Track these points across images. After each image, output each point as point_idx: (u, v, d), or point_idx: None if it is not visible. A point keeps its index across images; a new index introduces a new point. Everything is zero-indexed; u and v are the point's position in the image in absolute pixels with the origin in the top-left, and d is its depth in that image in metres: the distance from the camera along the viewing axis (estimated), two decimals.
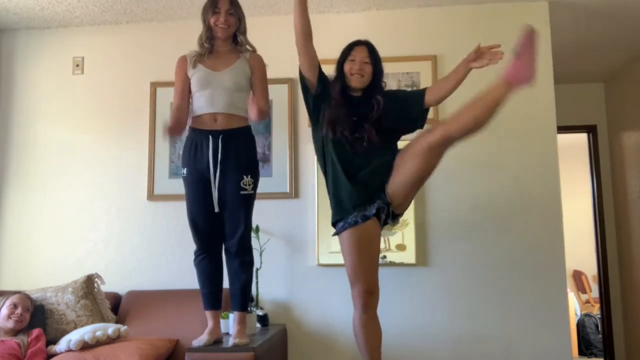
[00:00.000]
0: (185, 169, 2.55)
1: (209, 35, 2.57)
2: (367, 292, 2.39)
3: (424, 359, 3.17)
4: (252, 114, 2.57)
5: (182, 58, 2.63)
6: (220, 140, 2.49)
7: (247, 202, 2.52)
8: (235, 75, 2.54)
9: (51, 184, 3.56)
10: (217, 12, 2.53)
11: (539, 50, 2.22)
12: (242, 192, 2.49)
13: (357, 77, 2.47)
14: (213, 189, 2.48)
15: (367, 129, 2.41)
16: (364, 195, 2.37)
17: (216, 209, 2.48)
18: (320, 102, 2.49)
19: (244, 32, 2.62)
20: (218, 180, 2.47)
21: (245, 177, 2.50)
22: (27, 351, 2.69)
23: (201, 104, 2.54)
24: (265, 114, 2.60)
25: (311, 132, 2.61)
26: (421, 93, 2.55)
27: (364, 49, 2.50)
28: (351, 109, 2.44)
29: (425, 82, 3.38)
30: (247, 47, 2.63)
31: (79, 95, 3.63)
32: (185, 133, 2.64)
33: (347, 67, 2.49)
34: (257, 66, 2.61)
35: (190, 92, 2.60)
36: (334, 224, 2.47)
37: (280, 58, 3.40)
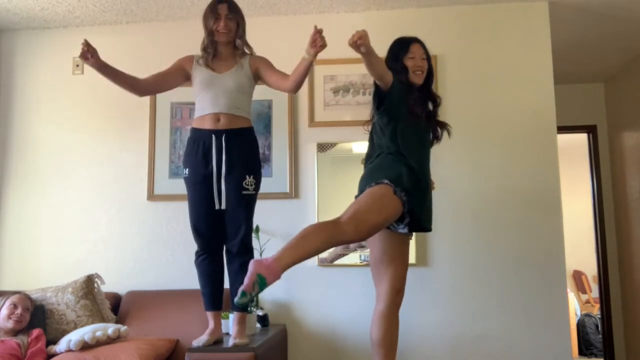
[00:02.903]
0: (187, 170, 2.55)
1: (210, 39, 2.59)
2: (403, 290, 2.49)
3: (424, 358, 3.17)
4: (287, 84, 2.50)
5: (190, 56, 2.67)
6: (223, 140, 2.49)
7: (248, 203, 2.52)
8: (237, 77, 2.56)
9: (51, 184, 3.56)
10: (218, 18, 2.55)
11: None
12: (243, 192, 2.49)
13: (419, 74, 2.51)
14: (214, 188, 2.48)
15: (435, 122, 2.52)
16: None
17: (217, 207, 2.48)
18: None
19: (242, 36, 2.64)
20: (222, 179, 2.48)
21: (247, 177, 2.50)
22: (27, 351, 2.69)
23: (204, 105, 2.55)
24: (301, 82, 2.52)
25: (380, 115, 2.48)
26: None
27: (420, 47, 2.54)
28: (423, 100, 2.50)
29: None
30: (245, 49, 2.65)
31: (79, 95, 3.63)
32: (188, 134, 2.64)
33: (409, 63, 2.51)
34: (260, 61, 2.62)
35: (170, 83, 2.65)
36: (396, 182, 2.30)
37: (281, 58, 3.39)
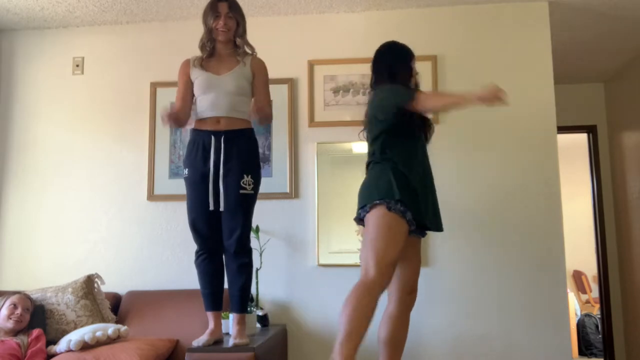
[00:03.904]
0: (187, 170, 2.56)
1: (209, 38, 2.59)
2: (415, 292, 2.51)
3: (424, 358, 3.17)
4: (255, 117, 2.57)
5: (186, 61, 2.66)
6: (222, 141, 2.49)
7: (246, 203, 2.51)
8: (237, 79, 2.56)
9: (51, 184, 3.56)
10: (218, 16, 2.55)
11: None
12: (241, 192, 2.49)
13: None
14: (210, 189, 2.48)
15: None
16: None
17: (211, 207, 2.48)
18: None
19: (243, 35, 2.63)
20: (220, 179, 2.48)
21: (245, 176, 2.50)
22: (27, 351, 2.69)
23: (204, 107, 2.55)
24: (268, 117, 2.64)
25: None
26: None
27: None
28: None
29: (425, 82, 3.37)
30: (247, 49, 2.64)
31: (79, 95, 3.63)
32: (188, 134, 2.65)
33: (412, 81, 2.57)
34: (259, 70, 2.63)
35: (192, 95, 2.63)
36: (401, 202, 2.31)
37: (280, 58, 3.41)
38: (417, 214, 2.33)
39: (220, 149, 2.49)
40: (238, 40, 2.62)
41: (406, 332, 2.47)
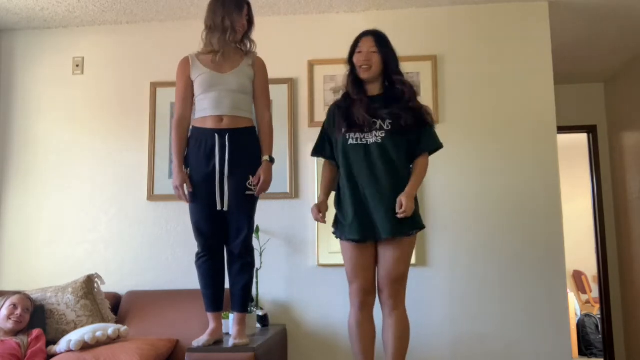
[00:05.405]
0: (189, 169, 2.54)
1: (231, 33, 2.51)
2: (364, 290, 2.43)
3: (424, 358, 3.17)
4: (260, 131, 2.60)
5: (185, 60, 2.61)
6: (227, 139, 2.48)
7: (251, 203, 2.52)
8: (240, 77, 2.54)
9: (51, 184, 3.56)
10: (240, 16, 2.53)
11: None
12: (247, 193, 2.49)
13: (365, 68, 2.49)
14: (217, 189, 2.47)
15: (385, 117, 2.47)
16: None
17: (219, 207, 2.47)
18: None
19: (250, 35, 2.64)
20: (225, 178, 2.47)
21: (251, 177, 2.50)
22: (27, 351, 2.69)
23: (205, 106, 2.53)
24: (270, 125, 2.62)
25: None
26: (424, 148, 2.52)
27: (369, 39, 2.51)
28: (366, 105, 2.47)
29: (425, 82, 3.38)
30: (250, 48, 2.64)
31: (79, 95, 3.63)
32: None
33: (355, 58, 2.53)
34: (260, 70, 2.62)
35: (192, 95, 2.59)
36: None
37: (280, 58, 3.42)
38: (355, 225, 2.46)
39: (225, 147, 2.48)
40: (249, 39, 2.63)
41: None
